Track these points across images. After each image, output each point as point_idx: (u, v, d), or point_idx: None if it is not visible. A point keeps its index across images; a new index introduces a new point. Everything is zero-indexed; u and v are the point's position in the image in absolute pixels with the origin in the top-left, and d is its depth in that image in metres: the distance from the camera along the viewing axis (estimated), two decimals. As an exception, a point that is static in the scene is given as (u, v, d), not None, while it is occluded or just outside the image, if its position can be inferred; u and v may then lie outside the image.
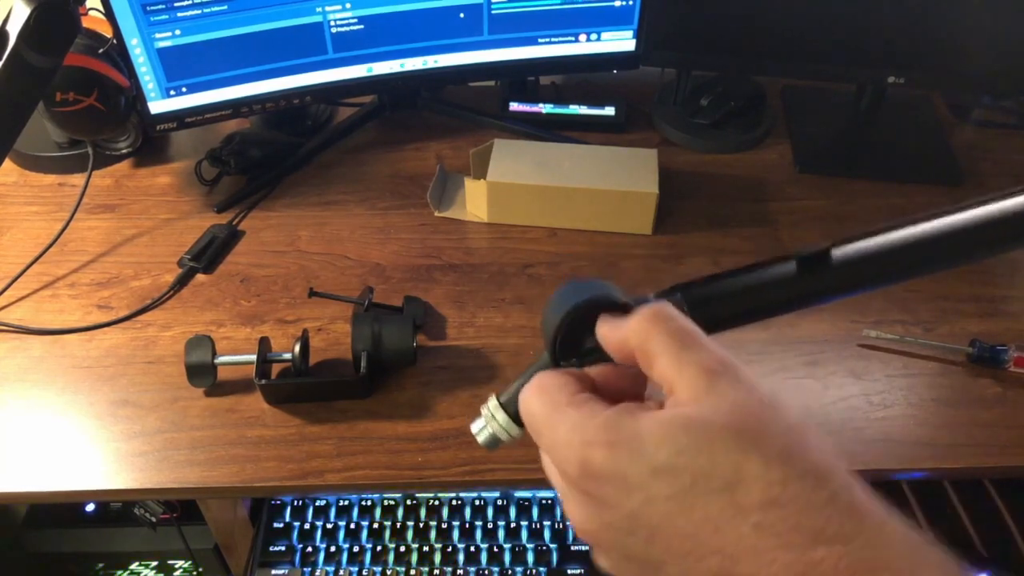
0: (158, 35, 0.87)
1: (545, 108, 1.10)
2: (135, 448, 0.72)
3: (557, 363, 0.35)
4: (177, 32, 0.88)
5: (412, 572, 0.91)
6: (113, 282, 0.88)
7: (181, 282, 0.88)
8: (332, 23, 0.93)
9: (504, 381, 0.79)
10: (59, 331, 0.83)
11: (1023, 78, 0.97)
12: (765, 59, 1.03)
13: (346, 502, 0.97)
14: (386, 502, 0.96)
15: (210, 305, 0.86)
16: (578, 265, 0.90)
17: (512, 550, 0.92)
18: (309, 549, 0.93)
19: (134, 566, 1.03)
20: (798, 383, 0.78)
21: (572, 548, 0.93)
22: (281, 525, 0.96)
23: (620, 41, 1.01)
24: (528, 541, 0.93)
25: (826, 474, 0.28)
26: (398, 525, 0.95)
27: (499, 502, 0.96)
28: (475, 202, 0.95)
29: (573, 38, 1.00)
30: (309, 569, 0.92)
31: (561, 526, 0.94)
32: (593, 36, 1.00)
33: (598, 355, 0.34)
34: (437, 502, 0.97)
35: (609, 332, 0.34)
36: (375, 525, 0.95)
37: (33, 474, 0.71)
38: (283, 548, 0.93)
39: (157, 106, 0.91)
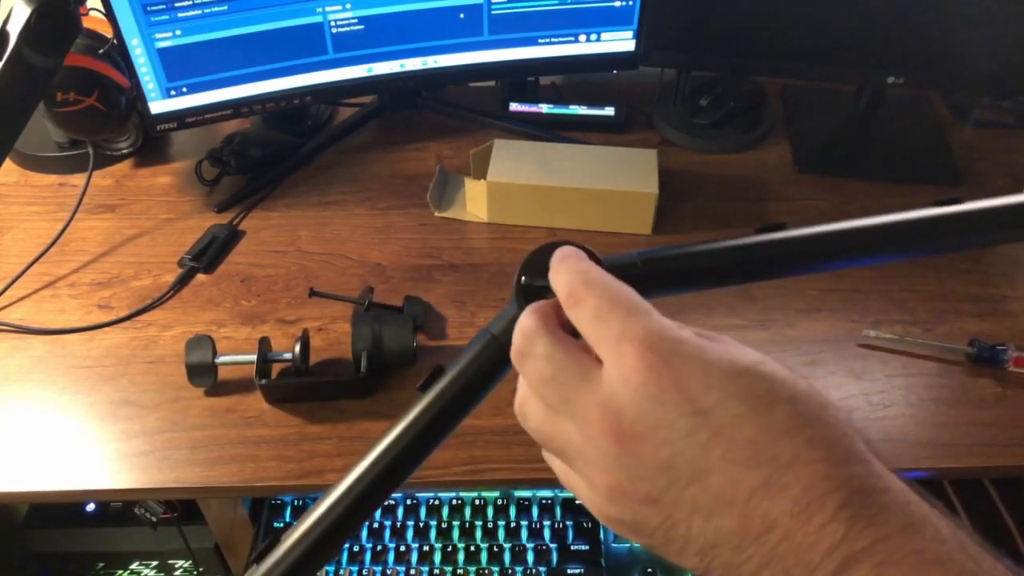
0: (158, 35, 0.87)
1: (545, 108, 1.10)
2: (136, 448, 0.73)
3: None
4: (177, 32, 0.88)
5: (412, 572, 0.91)
6: (113, 282, 0.88)
7: (181, 282, 0.88)
8: (332, 23, 0.93)
9: (504, 381, 0.79)
10: (60, 331, 0.83)
11: (1023, 78, 0.97)
12: (765, 59, 1.03)
13: (346, 502, 0.97)
14: (386, 501, 0.96)
15: (210, 305, 0.86)
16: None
17: (512, 550, 0.92)
18: (309, 549, 0.93)
19: (134, 566, 1.03)
20: (798, 383, 0.78)
21: (572, 548, 0.93)
22: (281, 525, 0.96)
23: (620, 41, 1.01)
24: (528, 541, 0.93)
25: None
26: (398, 524, 0.95)
27: (499, 502, 0.96)
28: (475, 202, 0.95)
29: (573, 38, 1.00)
30: (309, 569, 0.92)
31: (561, 526, 0.94)
32: (593, 36, 1.00)
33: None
34: (437, 502, 0.97)
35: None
36: (375, 524, 0.95)
37: (34, 474, 0.71)
38: (283, 548, 0.93)
39: (157, 106, 0.92)
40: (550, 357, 0.31)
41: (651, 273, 0.35)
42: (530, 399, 0.32)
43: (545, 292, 0.34)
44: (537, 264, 0.34)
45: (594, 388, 0.30)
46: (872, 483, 0.28)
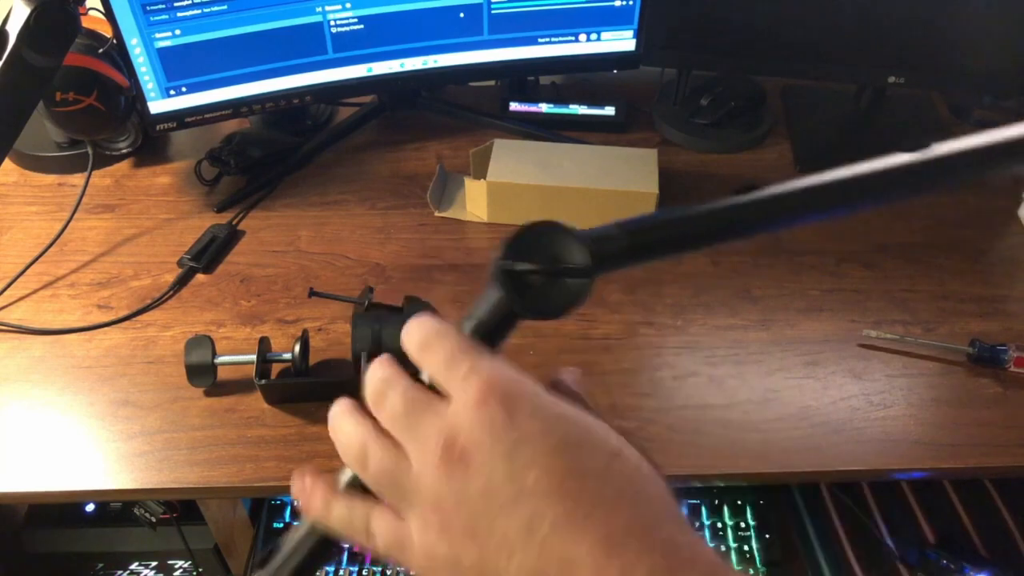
0: (158, 35, 0.87)
1: (545, 108, 1.10)
2: (135, 448, 0.72)
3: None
4: (177, 32, 0.88)
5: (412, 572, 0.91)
6: (113, 282, 0.88)
7: (181, 282, 0.88)
8: (332, 23, 0.93)
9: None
10: (59, 331, 0.83)
11: (1023, 78, 0.97)
12: (765, 59, 1.03)
13: (346, 502, 0.96)
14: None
15: (210, 305, 0.86)
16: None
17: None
18: (309, 549, 0.93)
19: (134, 566, 1.03)
20: (798, 383, 0.78)
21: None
22: (281, 525, 0.96)
23: (620, 41, 1.01)
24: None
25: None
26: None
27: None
28: (475, 202, 0.95)
29: (573, 38, 1.00)
30: (309, 569, 0.92)
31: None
32: (593, 36, 1.00)
33: None
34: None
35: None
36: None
37: (33, 474, 0.71)
38: (283, 548, 0.93)
39: (157, 106, 0.91)
40: (405, 392, 0.33)
41: (633, 243, 0.35)
42: (375, 440, 0.34)
43: (526, 276, 0.34)
44: (521, 246, 0.34)
45: (440, 415, 0.31)
46: (679, 540, 0.29)
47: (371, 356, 0.75)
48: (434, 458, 0.30)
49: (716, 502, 0.95)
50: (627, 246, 0.34)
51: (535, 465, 0.29)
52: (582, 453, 0.30)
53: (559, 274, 0.34)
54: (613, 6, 0.98)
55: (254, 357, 0.74)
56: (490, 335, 0.34)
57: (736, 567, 0.30)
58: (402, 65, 0.98)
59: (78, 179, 0.99)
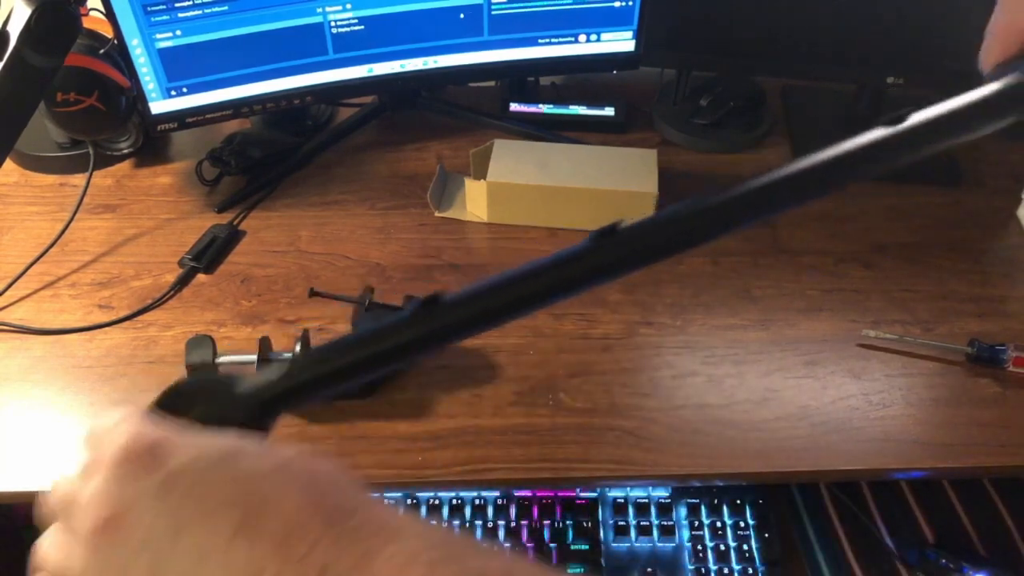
0: (159, 35, 0.87)
1: (545, 108, 1.10)
2: (136, 448, 0.72)
3: None
4: (178, 32, 0.88)
5: (412, 571, 0.91)
6: (114, 282, 0.89)
7: (182, 282, 0.89)
8: (333, 24, 0.93)
9: (504, 381, 0.79)
10: (60, 331, 0.83)
11: (1022, 78, 0.97)
12: (765, 59, 1.04)
13: (346, 502, 0.96)
14: (386, 502, 0.96)
15: (211, 305, 0.86)
16: (578, 265, 0.90)
17: (512, 550, 0.92)
18: (309, 549, 0.93)
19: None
20: (797, 383, 0.78)
21: (572, 548, 0.93)
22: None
23: (620, 42, 1.01)
24: (528, 541, 0.93)
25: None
26: (398, 525, 0.95)
27: (499, 502, 0.96)
28: (475, 202, 0.96)
29: (573, 39, 1.00)
30: (309, 568, 0.92)
31: (561, 526, 0.94)
32: (593, 37, 1.00)
33: None
34: (437, 502, 0.97)
35: None
36: (375, 525, 0.95)
37: (33, 474, 0.71)
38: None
39: (158, 106, 0.92)
40: (60, 488, 0.32)
41: (300, 382, 0.34)
42: (42, 550, 0.32)
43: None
44: (173, 402, 0.34)
45: (87, 488, 0.30)
46: (351, 505, 0.29)
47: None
48: (87, 538, 0.29)
49: (715, 501, 0.95)
50: (293, 386, 0.34)
51: (191, 493, 0.28)
52: (237, 461, 0.30)
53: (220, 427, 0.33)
54: (613, 7, 0.98)
55: (255, 357, 0.74)
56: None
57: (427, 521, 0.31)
58: (402, 66, 0.99)
59: (79, 179, 0.99)
